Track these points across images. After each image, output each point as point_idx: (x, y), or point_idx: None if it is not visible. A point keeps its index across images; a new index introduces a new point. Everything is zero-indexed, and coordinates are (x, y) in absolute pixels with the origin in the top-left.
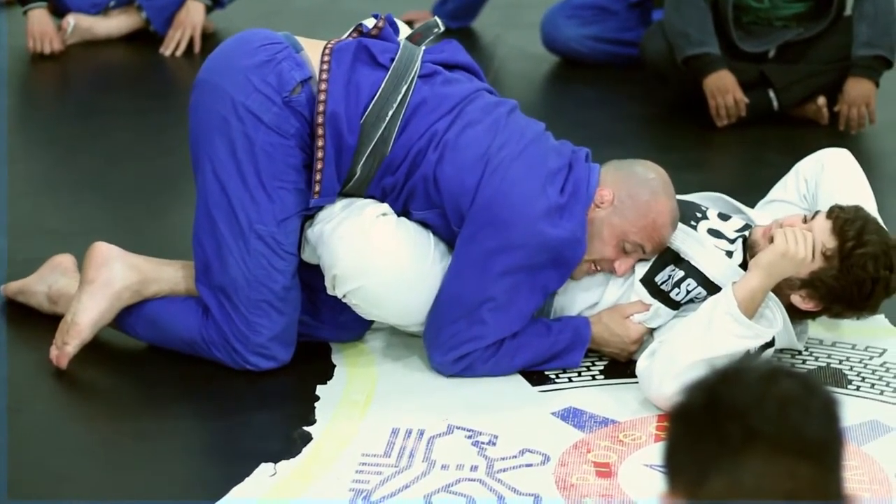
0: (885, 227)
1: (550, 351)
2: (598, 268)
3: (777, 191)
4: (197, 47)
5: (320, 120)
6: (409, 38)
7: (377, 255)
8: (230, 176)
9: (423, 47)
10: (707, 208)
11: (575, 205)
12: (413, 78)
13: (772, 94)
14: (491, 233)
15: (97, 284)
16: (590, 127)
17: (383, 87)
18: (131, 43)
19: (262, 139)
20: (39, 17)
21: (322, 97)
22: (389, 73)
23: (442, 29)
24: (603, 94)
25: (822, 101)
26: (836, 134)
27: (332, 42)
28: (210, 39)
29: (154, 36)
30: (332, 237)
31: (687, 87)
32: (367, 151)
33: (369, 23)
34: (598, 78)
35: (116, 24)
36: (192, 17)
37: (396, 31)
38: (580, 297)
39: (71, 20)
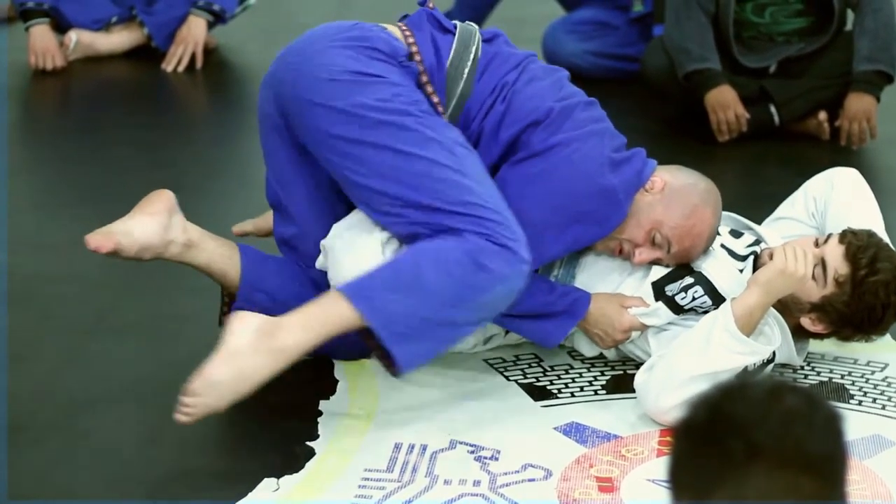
0: (892, 245)
1: (546, 308)
2: (621, 249)
3: (785, 208)
4: (199, 63)
5: (425, 78)
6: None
7: None
8: (392, 128)
9: None
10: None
11: (628, 169)
12: (478, 40)
13: (773, 109)
14: (546, 176)
15: (158, 217)
16: None
17: (455, 45)
18: (133, 59)
19: (394, 92)
20: (42, 34)
21: (418, 58)
22: (457, 35)
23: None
24: (604, 109)
25: (823, 116)
26: (837, 149)
27: (401, 20)
28: (212, 55)
29: (156, 52)
30: (338, 253)
31: (688, 102)
32: (450, 111)
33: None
34: (598, 93)
35: (118, 39)
36: (194, 32)
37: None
38: (596, 287)
39: (73, 36)
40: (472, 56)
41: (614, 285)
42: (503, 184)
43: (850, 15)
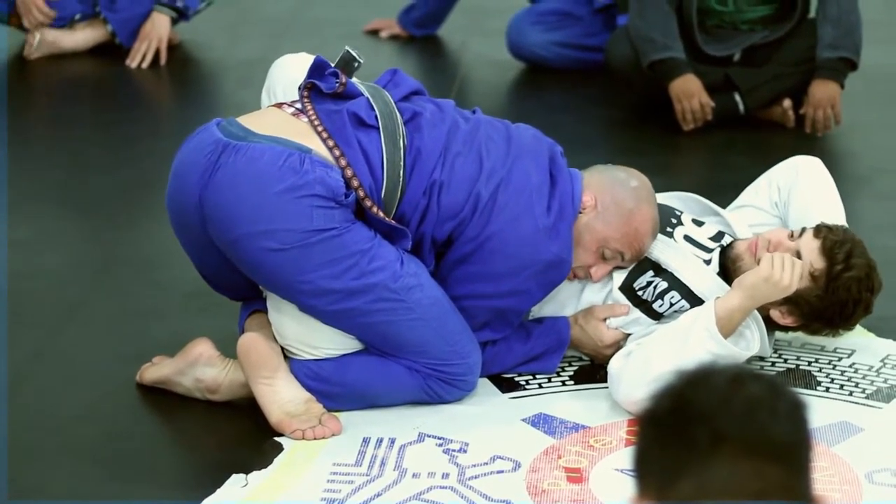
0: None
1: (528, 355)
2: (576, 275)
3: (749, 195)
4: (163, 59)
5: (369, 203)
6: (338, 76)
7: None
8: (332, 276)
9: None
10: (681, 213)
11: (561, 223)
12: (401, 125)
13: (737, 97)
14: (489, 272)
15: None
16: (556, 132)
17: (385, 150)
18: (97, 56)
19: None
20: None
21: (356, 183)
22: (382, 133)
23: (362, 61)
24: (569, 100)
25: (787, 103)
26: (802, 136)
27: (320, 121)
28: (175, 51)
29: (120, 48)
30: (278, 317)
31: (652, 92)
32: (392, 216)
33: (326, 84)
34: (563, 83)
35: (82, 37)
36: (158, 29)
37: (325, 69)
38: (554, 306)
39: (37, 34)
40: (402, 153)
41: (576, 289)
42: (450, 284)
43: (814, 2)
